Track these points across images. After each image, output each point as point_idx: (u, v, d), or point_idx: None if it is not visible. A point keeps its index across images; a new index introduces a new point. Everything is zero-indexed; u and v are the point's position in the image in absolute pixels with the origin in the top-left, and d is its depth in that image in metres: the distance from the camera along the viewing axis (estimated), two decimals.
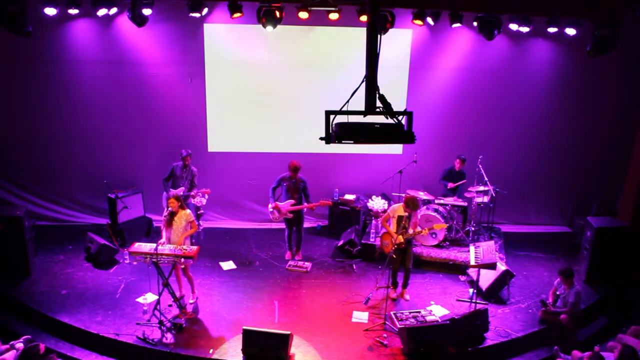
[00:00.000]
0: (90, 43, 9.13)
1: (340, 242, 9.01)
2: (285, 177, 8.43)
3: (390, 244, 7.36)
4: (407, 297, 7.77)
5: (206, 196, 9.02)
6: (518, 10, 8.34)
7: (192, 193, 8.84)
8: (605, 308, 7.94)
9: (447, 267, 8.60)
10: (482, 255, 7.26)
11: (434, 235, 8.82)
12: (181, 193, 8.63)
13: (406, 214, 7.24)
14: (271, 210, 8.48)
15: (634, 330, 6.58)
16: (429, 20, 8.58)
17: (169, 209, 7.10)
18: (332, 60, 9.62)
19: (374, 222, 9.19)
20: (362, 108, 4.88)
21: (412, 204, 7.25)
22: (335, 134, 4.73)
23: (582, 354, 6.08)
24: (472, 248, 7.55)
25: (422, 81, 9.83)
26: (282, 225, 8.99)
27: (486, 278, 7.83)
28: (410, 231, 7.31)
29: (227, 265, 8.63)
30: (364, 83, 4.91)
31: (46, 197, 9.90)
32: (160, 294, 6.88)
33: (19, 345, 5.82)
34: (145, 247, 6.84)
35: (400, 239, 7.24)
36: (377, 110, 4.87)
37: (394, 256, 7.21)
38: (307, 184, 8.50)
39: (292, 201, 8.44)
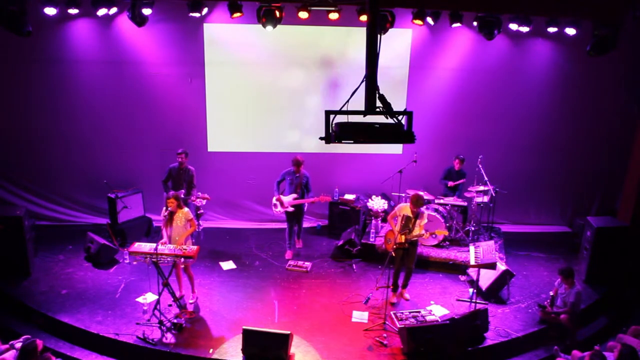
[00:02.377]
0: (90, 43, 9.13)
1: (340, 242, 9.01)
2: (290, 171, 8.68)
3: (393, 241, 7.35)
4: (407, 296, 7.76)
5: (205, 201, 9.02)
6: (518, 10, 8.34)
7: (192, 197, 8.80)
8: (605, 308, 7.94)
9: (447, 267, 8.60)
10: (482, 255, 7.26)
11: (433, 235, 8.79)
12: (182, 195, 8.61)
13: (412, 214, 7.23)
14: (274, 202, 8.72)
15: (634, 330, 6.58)
16: (429, 20, 8.57)
17: (168, 209, 7.10)
18: (332, 60, 9.61)
19: (373, 222, 9.20)
20: (362, 108, 4.88)
21: (416, 201, 7.23)
22: (335, 134, 4.73)
23: (582, 353, 6.08)
24: (472, 248, 7.55)
25: (422, 81, 9.83)
26: (282, 225, 9.12)
27: (486, 278, 7.83)
28: (415, 232, 7.25)
29: (227, 265, 8.63)
30: (364, 83, 4.91)
31: (46, 197, 9.91)
32: (160, 294, 6.88)
33: (19, 345, 5.81)
34: (145, 247, 6.85)
35: (402, 238, 7.21)
36: (377, 110, 4.87)
37: (393, 254, 7.20)
38: (309, 179, 8.71)
39: (295, 195, 8.64)
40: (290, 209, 8.65)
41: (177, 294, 7.36)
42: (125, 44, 9.19)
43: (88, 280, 7.99)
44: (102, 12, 8.21)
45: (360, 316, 7.31)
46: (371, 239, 9.05)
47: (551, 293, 7.29)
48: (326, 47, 9.57)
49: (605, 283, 8.22)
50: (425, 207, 8.89)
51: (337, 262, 8.85)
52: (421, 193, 9.10)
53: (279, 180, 8.76)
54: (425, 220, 7.41)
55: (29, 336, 6.08)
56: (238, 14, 8.09)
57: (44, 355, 5.71)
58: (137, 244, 6.93)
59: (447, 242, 9.02)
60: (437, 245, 8.91)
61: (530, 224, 10.51)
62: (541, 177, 10.29)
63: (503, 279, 7.80)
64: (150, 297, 7.38)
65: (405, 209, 7.40)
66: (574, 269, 7.11)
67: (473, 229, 9.15)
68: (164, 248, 6.81)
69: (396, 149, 10.05)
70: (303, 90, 9.79)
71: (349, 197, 9.78)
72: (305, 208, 9.01)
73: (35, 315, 7.15)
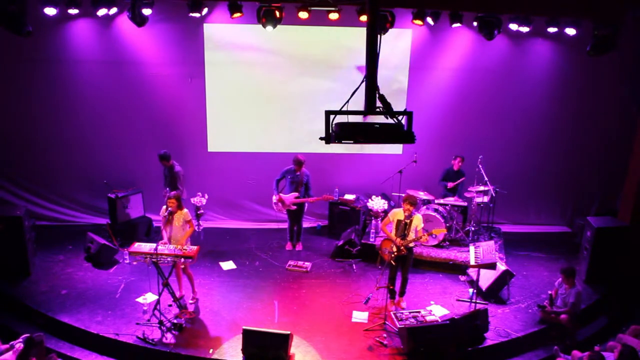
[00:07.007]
0: (90, 43, 9.13)
1: (340, 242, 9.00)
2: (290, 170, 8.74)
3: (390, 250, 7.20)
4: (403, 305, 7.58)
5: (204, 198, 8.99)
6: (518, 10, 8.34)
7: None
8: (605, 308, 7.94)
9: (447, 267, 8.60)
10: (482, 255, 7.25)
11: (433, 236, 8.78)
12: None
13: (406, 213, 7.15)
14: (275, 202, 8.77)
15: (634, 330, 6.58)
16: (429, 20, 8.58)
17: (169, 209, 7.11)
18: (332, 60, 9.61)
19: (373, 222, 9.19)
20: (362, 108, 4.88)
21: (411, 200, 7.12)
22: (335, 134, 4.73)
23: (582, 354, 6.08)
24: (472, 248, 7.55)
25: (422, 81, 9.83)
26: (282, 225, 9.27)
27: (486, 278, 7.83)
28: (411, 236, 7.15)
29: (227, 265, 8.63)
30: (364, 83, 4.91)
31: (46, 197, 9.91)
32: (160, 294, 6.88)
33: (19, 345, 5.81)
34: (145, 247, 6.85)
35: (400, 242, 7.09)
36: (377, 110, 4.87)
37: (393, 263, 7.14)
38: (310, 178, 8.77)
39: (296, 194, 8.72)
40: (293, 207, 8.76)
41: (177, 294, 7.36)
42: (125, 44, 9.18)
43: (88, 280, 7.99)
44: (102, 12, 8.21)
45: (360, 316, 7.30)
46: (371, 239, 9.04)
47: (551, 293, 7.29)
48: (326, 47, 9.56)
49: (605, 283, 8.22)
50: (425, 207, 8.95)
51: (337, 262, 8.84)
52: (421, 193, 9.16)
53: (278, 178, 8.84)
54: (422, 225, 7.29)
55: (28, 335, 6.08)
56: (238, 14, 8.11)
57: (49, 356, 5.71)
58: (137, 244, 6.93)
59: (447, 242, 9.02)
60: (437, 245, 8.90)
61: (530, 224, 10.51)
62: (541, 177, 10.29)
63: (503, 279, 7.80)
64: (150, 297, 7.37)
65: (398, 214, 7.26)
66: (575, 269, 7.11)
67: (473, 229, 9.15)
68: (164, 248, 6.81)
69: (396, 149, 10.05)
70: (303, 90, 9.78)
71: (349, 197, 9.78)
72: (306, 207, 9.10)
73: (35, 315, 7.15)
